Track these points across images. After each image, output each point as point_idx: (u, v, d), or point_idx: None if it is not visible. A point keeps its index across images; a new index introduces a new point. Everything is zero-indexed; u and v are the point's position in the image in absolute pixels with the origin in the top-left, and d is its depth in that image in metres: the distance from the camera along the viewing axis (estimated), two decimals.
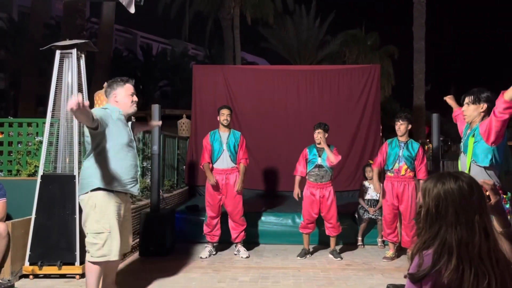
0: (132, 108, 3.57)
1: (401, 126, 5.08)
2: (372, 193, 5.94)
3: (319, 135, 5.24)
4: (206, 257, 5.26)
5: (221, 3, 20.21)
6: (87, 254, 3.32)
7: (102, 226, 3.29)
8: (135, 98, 3.62)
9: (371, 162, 6.32)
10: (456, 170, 1.60)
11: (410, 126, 5.15)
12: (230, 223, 5.42)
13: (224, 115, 5.37)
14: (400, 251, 5.33)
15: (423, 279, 1.47)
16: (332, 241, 5.32)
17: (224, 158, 5.28)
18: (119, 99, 3.53)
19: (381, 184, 5.28)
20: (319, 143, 5.25)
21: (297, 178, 5.28)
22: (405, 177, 5.06)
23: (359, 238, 5.93)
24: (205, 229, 5.43)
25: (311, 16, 23.82)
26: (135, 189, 3.53)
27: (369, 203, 5.91)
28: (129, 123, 3.60)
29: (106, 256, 3.29)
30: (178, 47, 30.84)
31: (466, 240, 1.46)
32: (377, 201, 5.83)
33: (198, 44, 31.51)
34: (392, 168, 5.12)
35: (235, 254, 5.35)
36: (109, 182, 3.33)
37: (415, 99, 15.31)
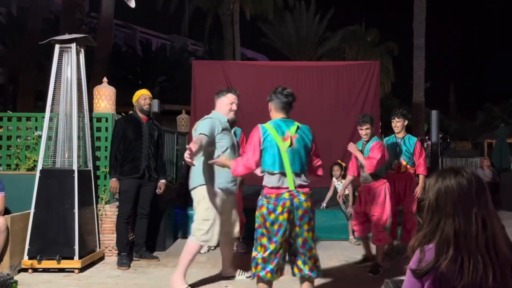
0: (230, 116, 4.06)
1: (397, 123, 5.09)
2: (339, 190, 6.05)
3: (367, 131, 4.59)
4: (205, 252, 5.24)
5: None
6: (192, 237, 3.92)
7: (209, 214, 3.82)
8: (234, 107, 4.09)
9: (339, 161, 6.45)
10: (459, 166, 1.62)
11: (406, 122, 5.16)
12: None
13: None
14: (398, 247, 5.34)
15: (426, 274, 1.48)
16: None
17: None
18: (221, 107, 4.06)
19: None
20: (367, 140, 4.61)
21: (349, 178, 5.07)
22: (406, 174, 5.05)
23: (351, 237, 5.97)
24: None
25: (311, 12, 23.76)
26: (234, 188, 4.03)
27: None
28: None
29: (207, 241, 3.90)
30: (178, 42, 30.79)
31: (463, 230, 1.48)
32: (346, 195, 6.05)
33: (197, 40, 31.43)
34: (392, 165, 5.12)
35: (234, 249, 5.35)
36: (213, 180, 3.87)
37: (415, 96, 15.30)
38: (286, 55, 23.73)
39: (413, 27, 15.30)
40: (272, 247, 3.06)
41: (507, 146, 12.30)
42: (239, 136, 5.31)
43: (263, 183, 3.18)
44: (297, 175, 3.11)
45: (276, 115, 3.35)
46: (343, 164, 6.34)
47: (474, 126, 28.58)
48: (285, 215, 3.04)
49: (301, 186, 3.10)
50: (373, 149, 4.53)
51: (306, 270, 3.11)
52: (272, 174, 3.11)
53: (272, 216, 3.05)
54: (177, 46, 29.71)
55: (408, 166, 5.04)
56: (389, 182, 5.14)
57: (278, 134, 3.15)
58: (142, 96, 4.94)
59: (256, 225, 3.15)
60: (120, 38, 34.47)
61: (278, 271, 3.10)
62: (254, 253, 3.15)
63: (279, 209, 3.05)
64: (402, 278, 3.77)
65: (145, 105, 4.91)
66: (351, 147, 4.68)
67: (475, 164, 17.04)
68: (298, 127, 3.22)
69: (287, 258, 3.19)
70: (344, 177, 6.15)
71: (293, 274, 3.19)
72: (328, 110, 7.90)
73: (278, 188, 3.08)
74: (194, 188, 3.94)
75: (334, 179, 6.21)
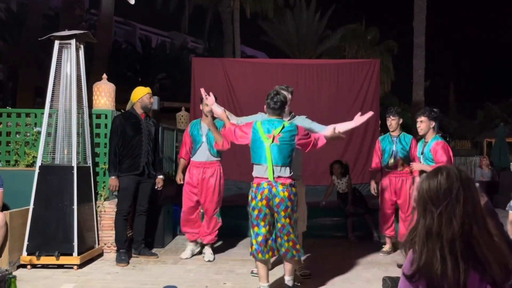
0: None
1: (392, 122, 5.09)
2: (339, 186, 6.14)
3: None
4: (187, 258, 4.91)
5: None
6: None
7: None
8: None
9: (339, 160, 6.45)
10: (453, 166, 1.61)
11: (401, 120, 5.15)
12: (203, 221, 5.02)
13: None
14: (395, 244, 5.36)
15: (415, 277, 1.46)
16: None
17: (203, 151, 4.88)
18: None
19: (371, 182, 5.35)
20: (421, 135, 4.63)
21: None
22: (403, 172, 5.06)
23: (350, 235, 5.98)
24: (183, 226, 5.07)
25: (311, 10, 23.70)
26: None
27: (340, 197, 6.13)
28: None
29: None
30: (177, 39, 30.71)
31: (437, 231, 1.46)
32: (346, 193, 6.06)
33: (197, 37, 31.34)
34: (388, 164, 5.12)
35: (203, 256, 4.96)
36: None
37: (414, 94, 15.28)
38: (286, 53, 23.70)
39: (413, 25, 15.28)
40: (256, 229, 3.56)
41: (507, 145, 12.31)
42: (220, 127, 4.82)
43: (252, 174, 3.66)
44: (278, 167, 3.54)
45: (268, 115, 3.77)
46: (344, 162, 6.34)
47: (474, 125, 28.59)
48: (264, 201, 3.53)
49: (280, 177, 3.54)
50: (436, 151, 4.35)
51: (282, 251, 3.57)
52: (258, 165, 3.61)
53: (254, 203, 3.56)
54: (177, 43, 29.65)
55: (405, 164, 5.05)
56: (385, 180, 5.16)
57: (264, 132, 3.61)
58: (147, 95, 4.90)
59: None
60: (120, 35, 34.38)
61: (269, 252, 3.56)
62: (250, 236, 3.68)
63: (258, 197, 3.54)
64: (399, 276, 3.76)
65: (149, 104, 4.91)
66: (415, 166, 4.51)
67: (474, 163, 17.05)
68: (283, 127, 3.61)
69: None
70: (344, 175, 6.15)
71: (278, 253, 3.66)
72: (328, 108, 7.90)
73: (260, 178, 3.58)
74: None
75: (334, 177, 6.21)
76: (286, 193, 3.51)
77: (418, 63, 15.25)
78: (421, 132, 4.54)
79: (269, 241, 3.56)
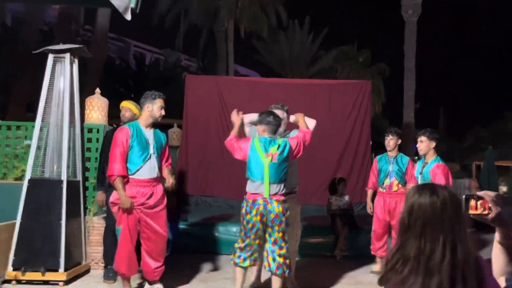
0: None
1: (390, 141, 5.11)
2: (338, 204, 6.16)
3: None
4: None
5: (215, 15, 20.36)
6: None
7: None
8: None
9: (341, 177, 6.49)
10: (441, 184, 1.58)
11: (399, 141, 5.18)
12: (144, 255, 4.04)
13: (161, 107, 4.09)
14: None
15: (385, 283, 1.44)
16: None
17: (150, 165, 3.98)
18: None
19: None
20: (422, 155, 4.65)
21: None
22: (397, 193, 5.04)
23: (337, 252, 5.96)
24: (118, 263, 3.96)
25: (305, 31, 24.06)
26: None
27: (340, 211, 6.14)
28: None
29: None
30: (171, 57, 30.88)
31: (427, 254, 1.41)
32: (345, 210, 6.10)
33: (191, 55, 31.56)
34: (383, 184, 5.13)
35: None
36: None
37: (405, 116, 15.47)
38: (279, 73, 23.91)
39: (404, 49, 15.57)
40: (247, 240, 3.73)
41: (495, 168, 12.45)
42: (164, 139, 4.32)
43: (246, 189, 3.80)
44: (274, 185, 3.70)
45: (262, 133, 3.88)
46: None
47: (463, 147, 28.89)
48: (258, 217, 3.67)
49: (275, 194, 3.69)
50: (435, 174, 4.30)
51: (273, 266, 3.67)
52: (253, 182, 3.75)
53: (248, 217, 3.70)
54: (170, 61, 29.79)
55: (400, 185, 5.04)
56: (379, 199, 5.15)
57: (262, 150, 3.74)
58: (121, 108, 4.75)
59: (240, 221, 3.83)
60: (114, 51, 34.48)
61: (251, 261, 3.77)
62: (235, 244, 3.84)
63: (253, 212, 3.68)
64: None
65: (122, 116, 4.72)
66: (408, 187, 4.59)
67: (463, 186, 17.17)
68: (279, 146, 3.77)
69: (263, 253, 3.79)
70: (341, 193, 6.23)
71: (265, 267, 3.80)
72: (320, 128, 7.92)
73: (255, 194, 3.72)
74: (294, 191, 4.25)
75: (332, 196, 6.22)
76: (280, 209, 3.67)
77: (409, 85, 15.48)
78: (421, 152, 4.53)
79: (255, 254, 3.77)
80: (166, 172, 4.14)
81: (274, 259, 3.66)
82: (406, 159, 5.16)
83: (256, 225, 3.67)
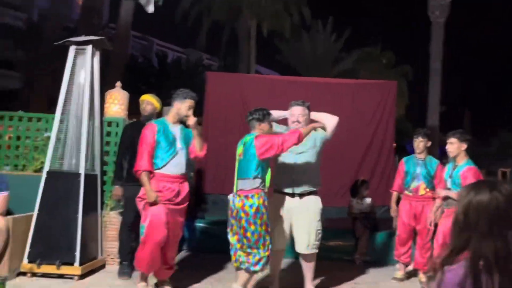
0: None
1: (420, 143, 4.88)
2: (359, 207, 5.94)
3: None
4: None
5: (239, 13, 20.30)
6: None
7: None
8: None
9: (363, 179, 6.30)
10: (495, 179, 1.46)
11: (429, 143, 4.94)
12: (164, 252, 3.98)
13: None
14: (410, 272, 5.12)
15: None
16: None
17: (178, 161, 3.96)
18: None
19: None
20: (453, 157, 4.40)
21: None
22: (424, 197, 4.82)
23: (357, 256, 5.76)
24: (140, 262, 3.91)
25: (328, 31, 23.81)
26: None
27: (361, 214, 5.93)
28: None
29: None
30: (193, 56, 31.01)
31: (503, 254, 1.30)
32: (367, 213, 5.89)
33: (213, 55, 31.63)
34: (409, 187, 4.91)
35: None
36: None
37: (429, 119, 15.12)
38: (301, 74, 23.73)
39: (430, 50, 15.22)
40: (230, 240, 3.83)
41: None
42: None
43: None
44: (240, 181, 3.76)
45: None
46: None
47: (488, 153, 28.13)
48: (229, 212, 3.80)
49: (241, 190, 3.72)
50: (465, 177, 4.08)
51: (237, 260, 3.75)
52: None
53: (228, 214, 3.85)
54: (192, 59, 29.93)
55: (427, 189, 4.82)
56: (405, 203, 4.94)
57: (238, 147, 3.87)
58: (141, 102, 4.68)
59: None
60: (137, 49, 34.84)
61: (237, 261, 3.76)
62: None
63: (229, 209, 3.82)
64: None
65: (142, 110, 4.67)
66: (442, 192, 4.29)
67: None
68: (245, 143, 3.81)
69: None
70: (367, 196, 6.05)
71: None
72: (342, 128, 7.74)
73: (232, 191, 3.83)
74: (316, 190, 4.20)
75: (354, 199, 6.04)
76: (240, 204, 3.68)
77: (434, 88, 15.13)
78: (451, 155, 4.32)
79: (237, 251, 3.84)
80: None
81: (236, 253, 3.76)
82: (435, 162, 4.92)
83: (230, 221, 3.81)
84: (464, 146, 4.24)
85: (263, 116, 3.92)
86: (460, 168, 4.20)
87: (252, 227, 3.65)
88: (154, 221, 3.78)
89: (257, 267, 3.72)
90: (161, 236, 3.79)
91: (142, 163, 3.84)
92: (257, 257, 3.69)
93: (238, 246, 3.73)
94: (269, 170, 3.94)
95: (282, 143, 3.72)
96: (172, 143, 3.93)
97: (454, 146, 4.25)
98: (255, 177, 3.71)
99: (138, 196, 3.93)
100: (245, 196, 3.67)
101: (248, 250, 3.70)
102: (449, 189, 4.26)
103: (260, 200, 3.68)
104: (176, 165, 3.92)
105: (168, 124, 4.02)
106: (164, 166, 3.88)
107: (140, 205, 3.91)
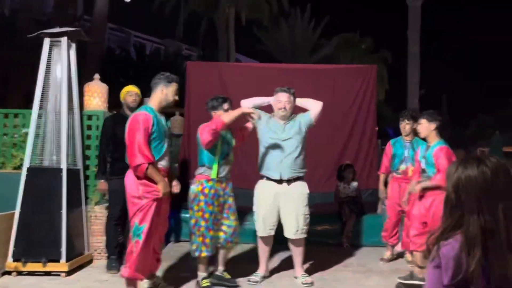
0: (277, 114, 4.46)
1: (406, 126, 4.90)
2: (346, 191, 6.01)
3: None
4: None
5: (216, 3, 20.08)
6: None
7: None
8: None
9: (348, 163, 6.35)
10: (483, 154, 1.48)
11: (415, 125, 4.96)
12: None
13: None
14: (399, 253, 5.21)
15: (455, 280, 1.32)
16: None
17: (167, 153, 3.81)
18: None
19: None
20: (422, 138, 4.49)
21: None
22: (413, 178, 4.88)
23: (344, 240, 5.83)
24: (137, 270, 3.51)
25: (306, 18, 23.76)
26: None
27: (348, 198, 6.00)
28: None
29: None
30: (172, 47, 30.61)
31: (490, 228, 1.32)
32: (353, 197, 5.95)
33: (191, 45, 31.29)
34: (398, 169, 4.96)
35: None
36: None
37: (409, 103, 15.31)
38: (280, 62, 23.67)
39: (408, 34, 15.36)
40: None
41: (502, 154, 12.29)
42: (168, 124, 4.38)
43: None
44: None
45: None
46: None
47: (466, 134, 28.68)
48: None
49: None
50: (438, 157, 4.01)
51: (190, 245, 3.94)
52: None
53: None
54: (171, 50, 29.56)
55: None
56: (394, 185, 4.97)
57: None
58: (128, 93, 4.63)
59: None
60: (114, 41, 34.21)
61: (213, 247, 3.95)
62: None
63: None
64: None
65: (131, 102, 4.60)
66: (417, 187, 4.17)
67: None
68: None
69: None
70: (353, 179, 6.08)
71: None
72: (324, 113, 7.77)
73: None
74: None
75: (341, 183, 6.07)
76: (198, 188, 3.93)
77: (413, 72, 15.31)
78: (421, 135, 4.33)
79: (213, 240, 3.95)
80: None
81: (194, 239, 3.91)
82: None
83: None
84: (433, 125, 4.16)
85: (217, 103, 4.10)
86: (433, 148, 4.18)
87: (199, 214, 3.89)
88: (153, 227, 3.49)
89: (196, 253, 3.88)
90: (156, 239, 3.68)
91: (145, 154, 3.38)
92: (194, 244, 3.86)
93: (191, 229, 3.98)
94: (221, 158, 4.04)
95: (209, 130, 3.86)
96: (163, 135, 3.63)
97: (423, 126, 4.19)
98: (201, 165, 3.98)
99: (140, 195, 3.47)
100: (191, 181, 4.04)
101: (194, 233, 3.89)
102: (423, 170, 4.25)
103: (199, 187, 3.91)
104: (166, 158, 3.69)
105: (157, 113, 3.64)
106: (158, 160, 3.56)
107: (137, 204, 3.46)
